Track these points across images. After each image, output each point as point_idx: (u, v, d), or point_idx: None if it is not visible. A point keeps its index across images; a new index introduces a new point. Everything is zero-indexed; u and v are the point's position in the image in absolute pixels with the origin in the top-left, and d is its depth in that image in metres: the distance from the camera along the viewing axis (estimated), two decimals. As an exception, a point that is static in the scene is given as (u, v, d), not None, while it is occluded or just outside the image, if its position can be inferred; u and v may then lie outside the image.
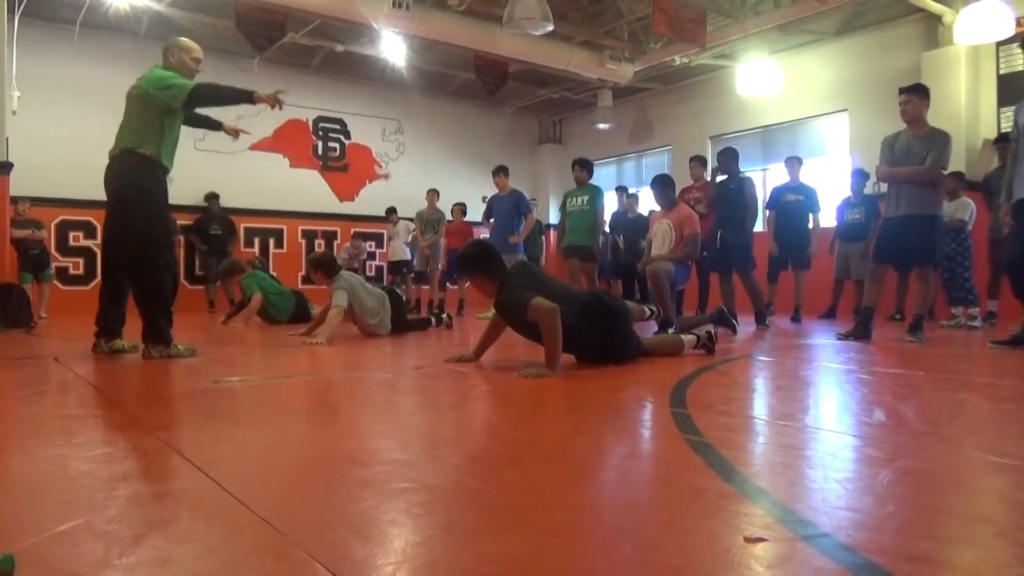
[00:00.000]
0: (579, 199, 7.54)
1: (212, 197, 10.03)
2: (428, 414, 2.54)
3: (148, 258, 4.01)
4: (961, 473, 1.69)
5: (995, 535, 1.24)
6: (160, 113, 3.97)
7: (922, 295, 5.18)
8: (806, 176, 8.21)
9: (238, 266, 7.55)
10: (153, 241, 4.02)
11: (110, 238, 4.11)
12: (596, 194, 7.53)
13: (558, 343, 3.36)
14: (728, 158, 6.81)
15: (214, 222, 10.00)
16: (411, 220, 10.60)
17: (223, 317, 7.36)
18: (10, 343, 5.11)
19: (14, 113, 7.51)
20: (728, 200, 6.66)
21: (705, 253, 6.78)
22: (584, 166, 7.61)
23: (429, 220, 10.27)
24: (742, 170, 6.97)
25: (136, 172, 3.98)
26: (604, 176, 12.51)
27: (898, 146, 5.09)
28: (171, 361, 3.88)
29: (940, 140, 4.94)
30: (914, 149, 4.98)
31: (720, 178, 7.02)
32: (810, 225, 7.78)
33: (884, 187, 5.52)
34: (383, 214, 11.26)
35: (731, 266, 6.55)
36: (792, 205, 7.75)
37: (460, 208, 10.37)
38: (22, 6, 7.90)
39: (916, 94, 5.07)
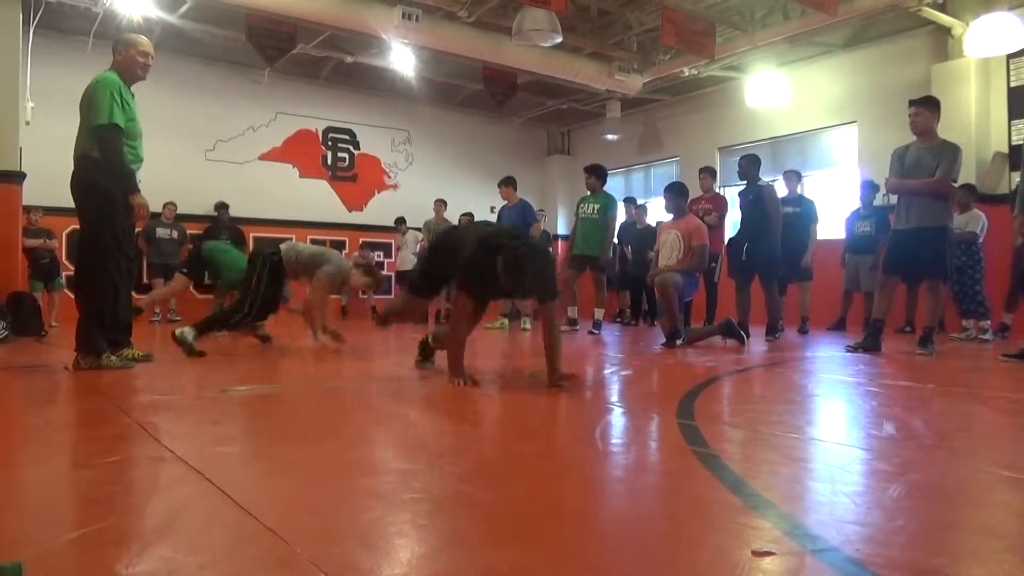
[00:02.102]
0: (590, 207, 7.40)
1: (222, 207, 10.07)
2: (434, 424, 2.54)
3: (90, 263, 3.85)
4: (971, 487, 1.67)
5: (1006, 550, 1.23)
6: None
7: (932, 307, 5.15)
8: (809, 189, 8.18)
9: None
10: (99, 246, 3.82)
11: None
12: (609, 203, 7.42)
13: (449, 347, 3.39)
14: (749, 164, 6.74)
15: (223, 232, 10.04)
16: (419, 230, 10.64)
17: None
18: (21, 351, 5.14)
19: (28, 123, 7.59)
20: (747, 210, 6.62)
21: (714, 264, 6.75)
22: (595, 173, 7.51)
23: (436, 230, 10.30)
24: (761, 178, 6.92)
25: (88, 176, 3.81)
26: (612, 187, 12.41)
27: (908, 158, 5.06)
28: (179, 369, 3.89)
29: (950, 152, 4.91)
30: (924, 161, 4.96)
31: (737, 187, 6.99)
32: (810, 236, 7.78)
33: (894, 199, 5.49)
34: (391, 224, 11.30)
35: (753, 276, 6.50)
36: (791, 218, 7.73)
37: (467, 219, 10.40)
38: (37, 18, 8.00)
39: (926, 106, 5.05)
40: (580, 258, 7.43)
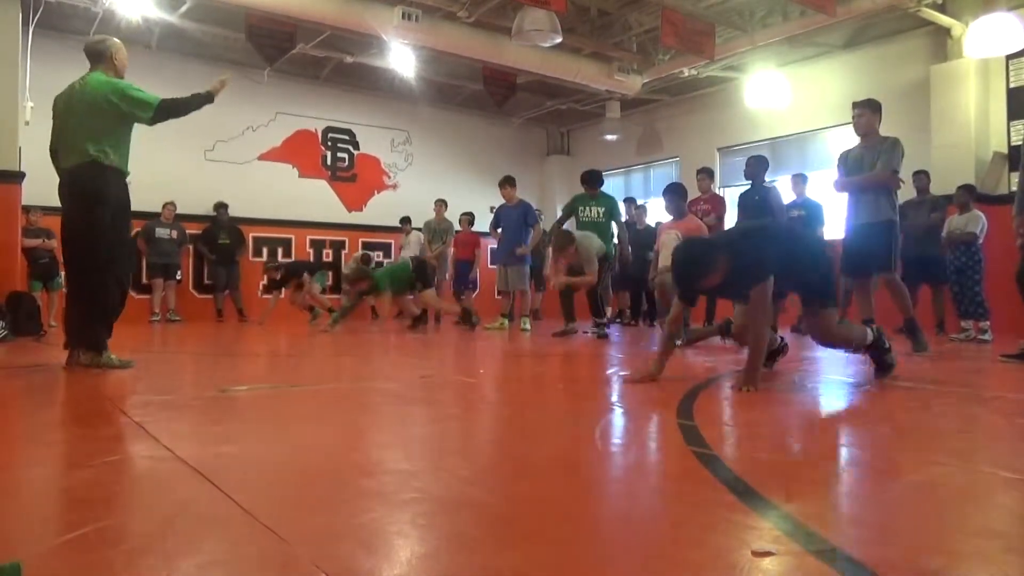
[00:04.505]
0: (594, 209, 7.39)
1: (221, 207, 10.06)
2: (434, 425, 2.54)
3: (100, 264, 3.88)
4: (971, 488, 1.67)
5: (1006, 550, 1.23)
6: (120, 122, 3.90)
7: (899, 301, 5.16)
8: (812, 191, 8.19)
9: (364, 272, 8.17)
10: (110, 249, 3.91)
11: (67, 246, 3.94)
12: (614, 206, 7.46)
13: (762, 352, 3.29)
14: (756, 165, 6.73)
15: (222, 232, 10.04)
16: (419, 230, 10.64)
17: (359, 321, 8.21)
18: (19, 351, 5.14)
19: (27, 123, 7.58)
20: (752, 212, 6.60)
21: None
22: (588, 181, 7.50)
23: (437, 230, 10.30)
24: (766, 179, 6.92)
25: (102, 183, 3.86)
26: (612, 187, 12.51)
27: (851, 158, 5.25)
28: (178, 369, 3.88)
29: (888, 145, 5.04)
30: (866, 158, 5.11)
31: (742, 188, 6.97)
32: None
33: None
34: (391, 224, 11.31)
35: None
36: (796, 221, 7.75)
37: (467, 218, 10.42)
38: (36, 18, 7.99)
39: (868, 108, 5.23)
40: None
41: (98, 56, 4.01)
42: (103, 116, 3.83)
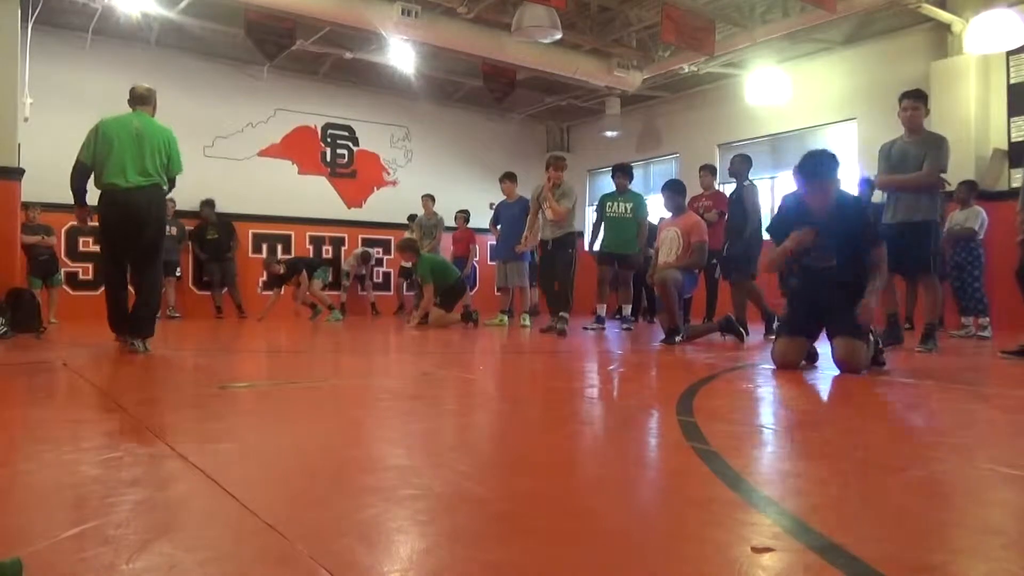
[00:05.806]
0: (621, 205, 7.47)
1: (206, 204, 9.97)
2: (434, 421, 2.54)
3: (162, 270, 4.89)
4: (971, 484, 1.68)
5: (1006, 547, 1.23)
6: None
7: (930, 303, 5.14)
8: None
9: (414, 246, 8.36)
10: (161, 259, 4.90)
11: (126, 251, 4.63)
12: (640, 202, 7.53)
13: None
14: (739, 164, 6.76)
15: (209, 228, 10.01)
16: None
17: (409, 318, 8.23)
18: (20, 348, 5.14)
19: (26, 119, 7.57)
20: (736, 210, 6.65)
21: (715, 261, 6.77)
22: (624, 171, 7.64)
23: (427, 226, 10.29)
24: (749, 178, 6.93)
25: (165, 205, 4.81)
26: (609, 184, 12.49)
27: (895, 152, 5.08)
28: (178, 366, 3.89)
29: (936, 144, 4.90)
30: (911, 154, 4.96)
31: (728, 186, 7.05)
32: None
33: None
34: (391, 220, 11.29)
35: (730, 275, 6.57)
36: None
37: (463, 216, 10.40)
38: (35, 13, 7.97)
39: (922, 101, 5.08)
40: (612, 256, 7.47)
41: (146, 101, 4.78)
42: (161, 153, 4.61)
